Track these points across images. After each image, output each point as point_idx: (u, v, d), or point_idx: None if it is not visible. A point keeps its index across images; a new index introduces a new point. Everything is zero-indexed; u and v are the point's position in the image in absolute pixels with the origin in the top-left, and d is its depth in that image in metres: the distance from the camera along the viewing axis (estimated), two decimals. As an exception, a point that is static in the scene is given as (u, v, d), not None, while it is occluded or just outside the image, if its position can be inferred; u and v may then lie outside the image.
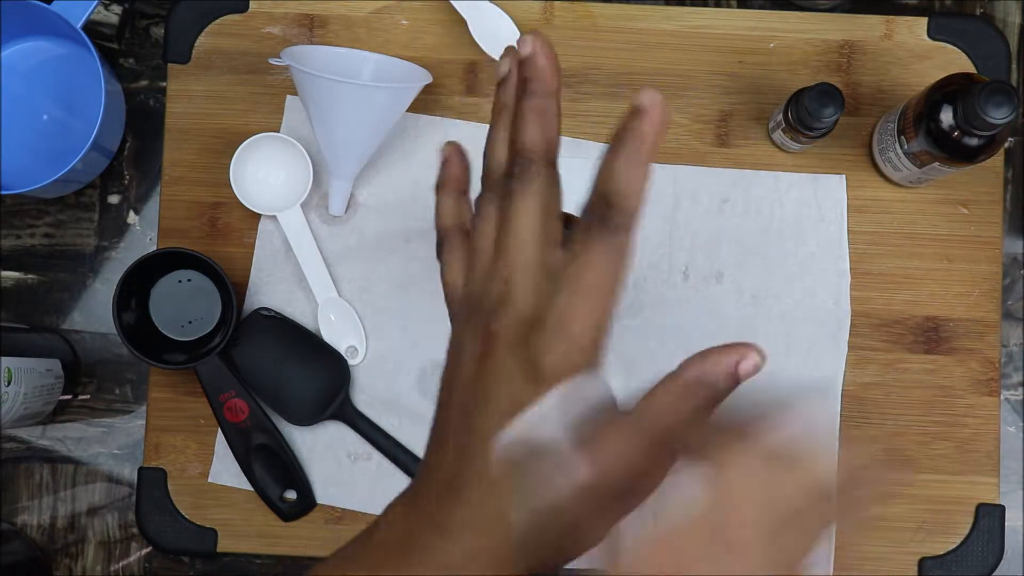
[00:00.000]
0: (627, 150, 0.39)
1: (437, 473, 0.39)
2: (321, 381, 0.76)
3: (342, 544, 0.42)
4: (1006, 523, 0.76)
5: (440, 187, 0.47)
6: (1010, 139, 0.80)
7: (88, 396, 0.79)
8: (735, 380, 0.37)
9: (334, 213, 0.76)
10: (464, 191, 0.47)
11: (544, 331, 0.38)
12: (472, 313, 0.41)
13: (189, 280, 0.77)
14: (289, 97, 0.79)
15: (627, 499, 0.36)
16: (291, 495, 0.75)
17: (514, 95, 0.43)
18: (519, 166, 0.41)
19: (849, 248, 0.77)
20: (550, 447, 0.37)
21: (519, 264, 0.39)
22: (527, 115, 0.41)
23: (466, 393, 0.39)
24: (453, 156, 0.47)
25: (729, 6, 0.81)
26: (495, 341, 0.39)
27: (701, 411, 0.37)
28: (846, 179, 0.78)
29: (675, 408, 0.37)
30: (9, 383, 0.69)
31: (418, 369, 0.77)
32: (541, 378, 0.38)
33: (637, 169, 0.39)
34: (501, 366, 0.38)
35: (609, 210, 0.39)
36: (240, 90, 0.79)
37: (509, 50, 0.43)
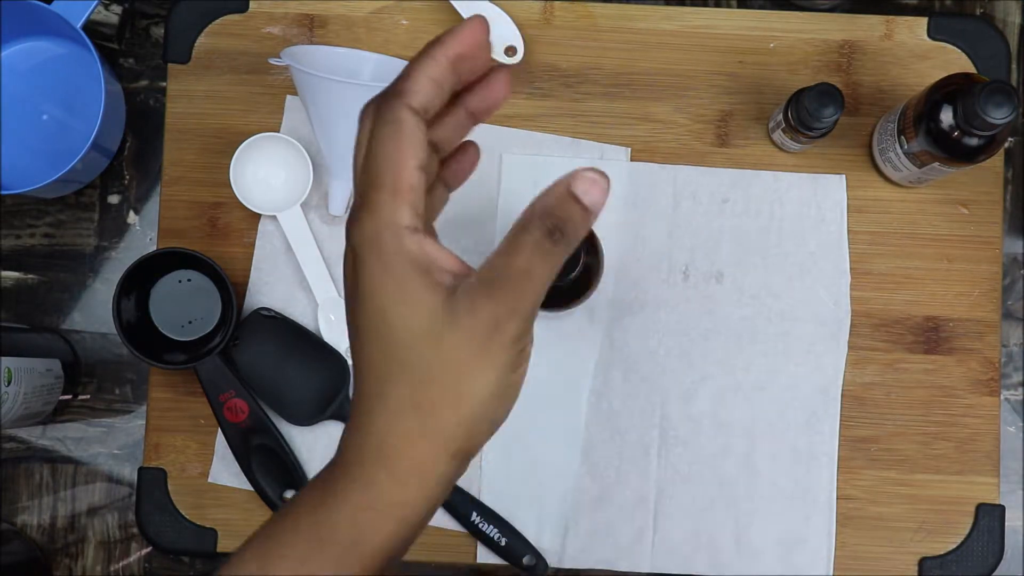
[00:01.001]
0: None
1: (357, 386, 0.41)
2: (321, 381, 0.76)
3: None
4: (1006, 523, 0.76)
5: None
6: (1010, 139, 0.80)
7: (88, 396, 0.79)
8: (587, 211, 0.37)
9: (334, 213, 0.76)
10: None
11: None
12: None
13: (189, 280, 0.77)
14: (289, 97, 0.79)
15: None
16: (291, 495, 0.75)
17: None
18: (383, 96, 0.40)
19: (849, 248, 0.77)
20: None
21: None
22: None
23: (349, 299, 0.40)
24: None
25: (729, 6, 0.81)
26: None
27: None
28: (846, 179, 0.78)
29: (537, 259, 0.37)
30: (9, 383, 0.69)
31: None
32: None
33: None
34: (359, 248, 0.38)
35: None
36: (240, 90, 0.79)
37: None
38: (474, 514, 0.75)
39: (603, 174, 0.38)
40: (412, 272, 0.37)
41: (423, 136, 0.38)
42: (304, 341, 0.77)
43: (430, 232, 0.41)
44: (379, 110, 0.38)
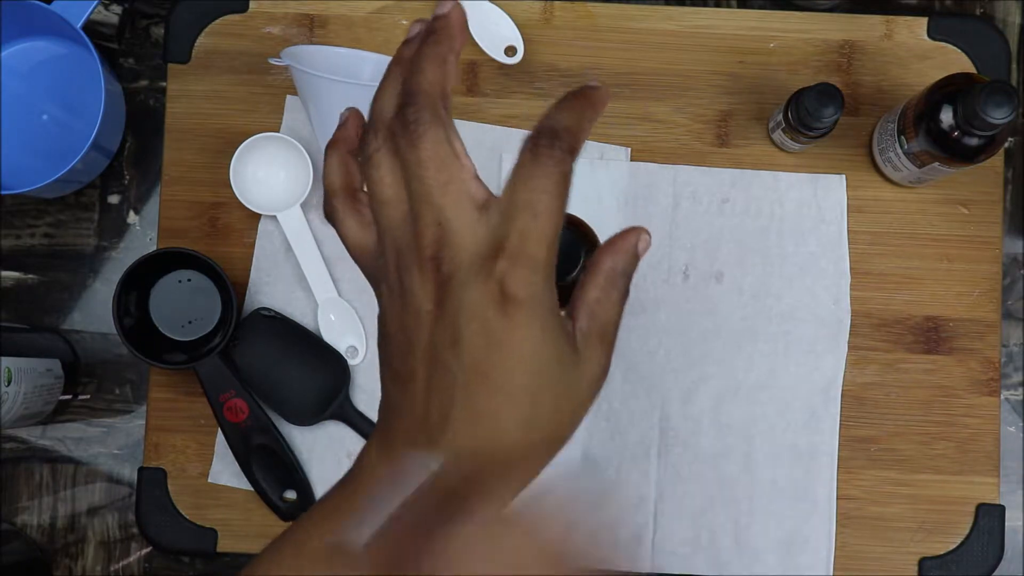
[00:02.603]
0: (575, 102, 0.40)
1: (411, 415, 0.40)
2: (321, 381, 0.76)
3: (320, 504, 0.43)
4: (1006, 523, 0.76)
5: (330, 145, 0.45)
6: (1010, 139, 0.80)
7: (88, 396, 0.79)
8: (637, 259, 0.42)
9: (334, 213, 0.76)
10: (354, 151, 0.45)
11: (505, 257, 0.38)
12: (406, 263, 0.40)
13: (189, 280, 0.77)
14: (289, 97, 0.79)
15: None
16: (291, 495, 0.75)
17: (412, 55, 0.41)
18: (416, 104, 0.39)
19: (849, 248, 0.77)
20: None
21: (449, 201, 0.39)
22: (428, 57, 0.40)
23: (429, 340, 0.39)
24: (351, 118, 0.46)
25: (729, 6, 0.81)
26: (451, 281, 0.38)
27: (622, 298, 0.42)
28: (846, 179, 0.78)
29: (609, 298, 0.41)
30: (9, 383, 0.69)
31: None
32: (514, 304, 0.38)
33: (581, 118, 0.40)
34: (465, 302, 0.38)
35: (556, 138, 0.39)
36: (240, 90, 0.79)
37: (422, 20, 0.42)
38: (474, 514, 0.75)
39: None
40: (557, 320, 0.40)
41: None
42: (304, 341, 0.77)
43: None
44: (553, 158, 0.38)
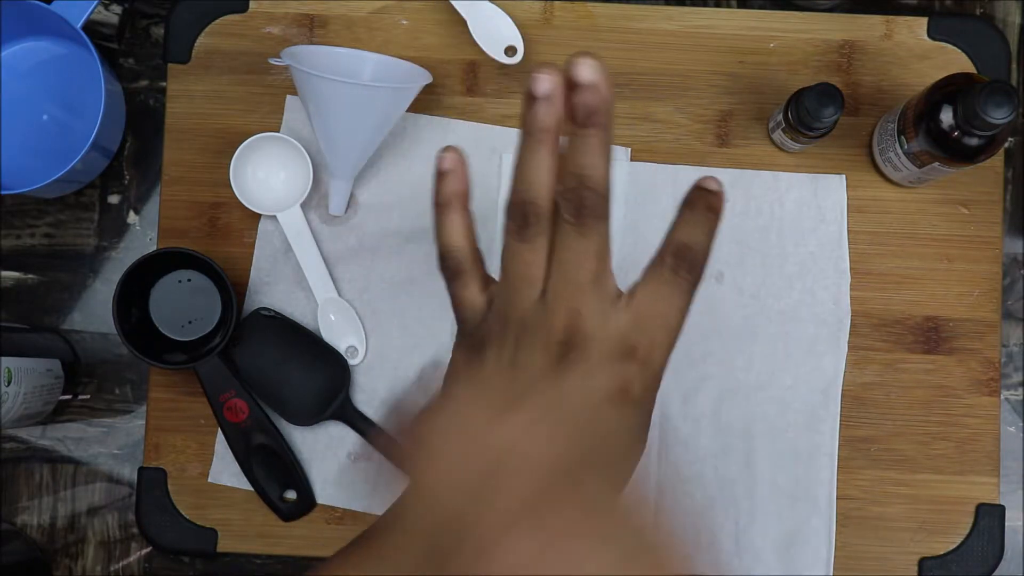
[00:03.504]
0: (704, 217, 0.42)
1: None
2: (321, 381, 0.76)
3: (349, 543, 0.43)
4: (1006, 523, 0.76)
5: (443, 204, 0.45)
6: (1010, 139, 0.80)
7: (88, 396, 0.79)
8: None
9: (334, 213, 0.76)
10: (468, 207, 0.46)
11: (636, 361, 0.41)
12: (529, 341, 0.41)
13: (189, 280, 0.77)
14: (289, 97, 0.79)
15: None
16: (291, 495, 0.75)
17: (558, 119, 0.40)
18: (591, 204, 0.40)
19: (849, 248, 0.77)
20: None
21: (594, 295, 0.41)
22: (597, 148, 0.40)
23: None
24: (456, 169, 0.45)
25: (729, 6, 0.81)
26: (575, 366, 0.40)
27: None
28: (846, 179, 0.78)
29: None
30: (9, 383, 0.69)
31: (418, 369, 0.77)
32: (629, 404, 0.41)
33: (707, 234, 0.42)
34: (588, 390, 0.40)
35: (693, 260, 0.42)
36: (240, 90, 0.79)
37: (550, 67, 0.40)
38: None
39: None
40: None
41: None
42: (304, 341, 0.77)
43: None
44: (688, 280, 0.42)
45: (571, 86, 0.39)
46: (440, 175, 0.45)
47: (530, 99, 0.40)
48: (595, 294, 0.41)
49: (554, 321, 0.40)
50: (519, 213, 0.41)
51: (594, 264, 0.41)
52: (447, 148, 0.45)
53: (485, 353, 0.42)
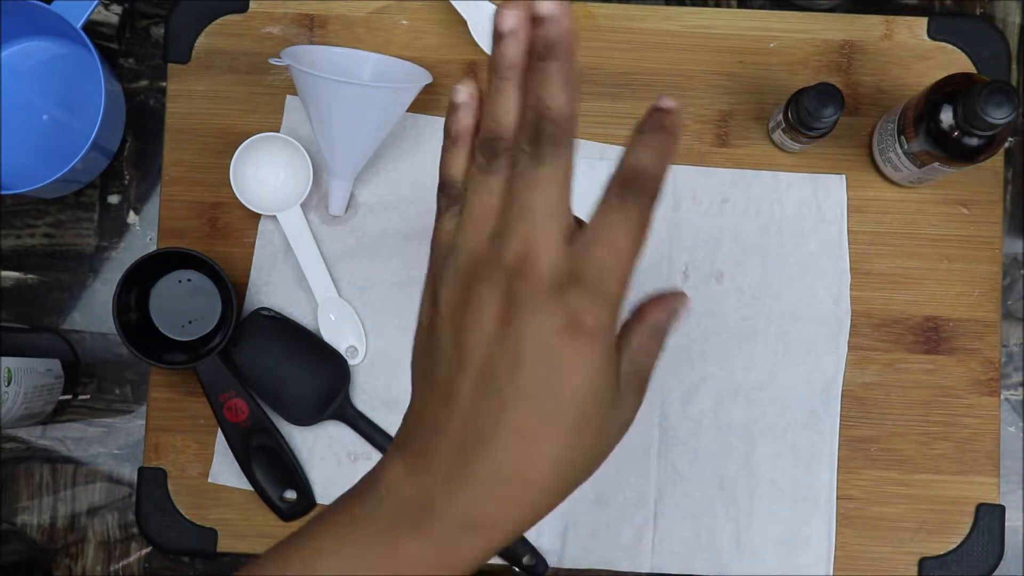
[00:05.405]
0: (655, 138, 0.40)
1: (447, 432, 0.40)
2: (321, 381, 0.76)
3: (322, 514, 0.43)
4: (1006, 523, 0.76)
5: (453, 138, 0.44)
6: (1010, 139, 0.80)
7: (88, 396, 0.79)
8: (678, 319, 0.44)
9: (334, 213, 0.76)
10: (474, 146, 0.44)
11: (581, 288, 0.39)
12: (480, 277, 0.40)
13: (189, 280, 0.77)
14: (289, 97, 0.79)
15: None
16: (291, 495, 0.75)
17: (523, 54, 0.40)
18: (549, 133, 0.39)
19: (849, 248, 0.77)
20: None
21: (547, 225, 0.39)
22: (555, 79, 0.39)
23: (485, 358, 0.39)
24: (470, 103, 0.44)
25: (729, 6, 0.81)
26: (523, 303, 0.39)
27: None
28: (846, 179, 0.78)
29: (651, 347, 0.44)
30: (9, 383, 0.69)
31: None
32: (581, 333, 0.38)
33: (659, 155, 0.40)
34: (534, 325, 0.38)
35: (642, 182, 0.40)
36: (240, 90, 0.79)
37: (516, 3, 0.40)
38: (474, 514, 0.75)
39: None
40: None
41: None
42: (304, 341, 0.77)
43: None
44: (638, 204, 0.40)
45: (536, 22, 0.40)
46: (452, 107, 0.44)
47: (498, 36, 0.41)
48: (548, 222, 0.39)
49: (504, 252, 0.39)
50: (488, 148, 0.41)
51: (550, 192, 0.39)
52: (468, 80, 0.45)
53: (439, 295, 0.42)
